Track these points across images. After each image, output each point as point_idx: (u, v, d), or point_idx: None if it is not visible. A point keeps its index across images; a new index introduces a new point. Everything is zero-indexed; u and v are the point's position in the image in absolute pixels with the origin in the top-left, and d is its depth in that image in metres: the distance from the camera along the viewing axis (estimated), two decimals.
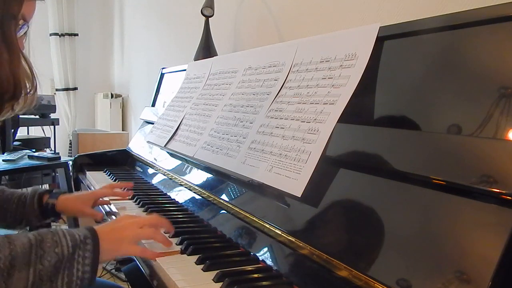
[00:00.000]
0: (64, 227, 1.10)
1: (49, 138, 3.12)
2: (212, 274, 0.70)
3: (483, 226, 0.49)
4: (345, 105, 0.74)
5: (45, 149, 2.95)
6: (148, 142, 1.55)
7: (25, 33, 0.77)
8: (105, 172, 1.65)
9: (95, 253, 0.68)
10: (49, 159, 2.22)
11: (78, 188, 1.71)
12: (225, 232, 0.90)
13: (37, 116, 3.02)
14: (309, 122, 0.80)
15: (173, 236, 0.89)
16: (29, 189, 1.07)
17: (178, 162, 1.35)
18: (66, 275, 0.64)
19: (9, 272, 0.60)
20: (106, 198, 1.15)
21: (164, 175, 1.40)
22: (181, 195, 1.20)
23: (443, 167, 0.55)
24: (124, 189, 1.18)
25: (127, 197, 1.18)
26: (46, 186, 2.69)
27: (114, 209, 1.12)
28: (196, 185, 1.14)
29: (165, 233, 0.87)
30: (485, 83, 0.59)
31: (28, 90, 0.73)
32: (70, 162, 1.96)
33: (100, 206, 1.15)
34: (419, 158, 0.58)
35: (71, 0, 3.77)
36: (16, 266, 0.61)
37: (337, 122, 0.74)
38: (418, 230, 0.55)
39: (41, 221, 1.04)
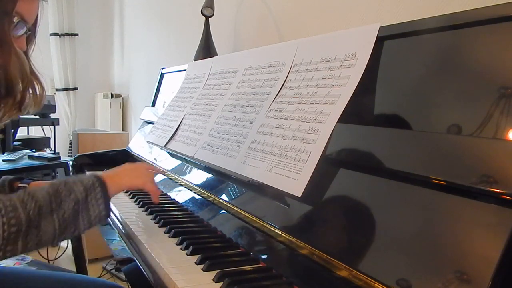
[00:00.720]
0: None
1: (49, 138, 3.12)
2: (212, 274, 0.70)
3: (483, 226, 0.49)
4: (345, 105, 0.74)
5: (45, 149, 2.95)
6: (148, 142, 1.55)
7: (28, 34, 0.77)
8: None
9: (105, 194, 0.79)
10: (49, 159, 2.22)
11: None
12: (225, 232, 0.90)
13: (37, 116, 3.02)
14: (309, 122, 0.80)
15: (173, 236, 0.89)
16: None
17: (178, 162, 1.35)
18: (85, 215, 0.76)
19: (39, 221, 0.70)
20: None
21: (164, 175, 1.40)
22: (181, 195, 1.20)
23: (443, 167, 0.55)
24: None
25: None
26: None
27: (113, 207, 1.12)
28: (196, 185, 1.14)
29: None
30: (485, 83, 0.59)
31: (25, 88, 0.75)
32: (70, 162, 1.96)
33: None
34: (419, 158, 0.58)
35: (71, 0, 3.77)
36: (42, 214, 0.70)
37: (337, 122, 0.74)
38: (418, 230, 0.55)
39: None
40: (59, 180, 0.77)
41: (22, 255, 2.41)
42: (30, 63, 0.83)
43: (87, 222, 0.76)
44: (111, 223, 1.08)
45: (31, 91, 0.80)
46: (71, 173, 1.97)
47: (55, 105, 3.11)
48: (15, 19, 0.73)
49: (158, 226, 0.97)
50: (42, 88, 0.83)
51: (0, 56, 0.71)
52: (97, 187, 0.79)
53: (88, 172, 0.88)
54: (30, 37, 0.82)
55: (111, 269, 2.41)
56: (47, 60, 3.75)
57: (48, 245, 0.73)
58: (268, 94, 0.97)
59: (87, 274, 2.05)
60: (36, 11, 0.80)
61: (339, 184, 0.70)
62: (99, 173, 0.84)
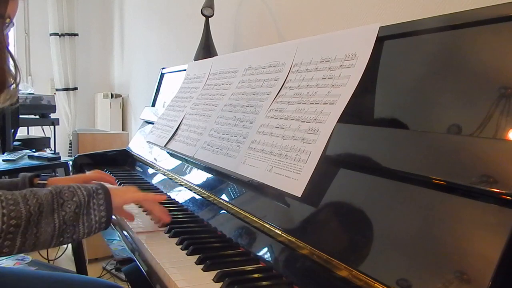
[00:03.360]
0: None
1: (49, 138, 3.12)
2: (212, 274, 0.70)
3: (483, 226, 0.49)
4: (345, 105, 0.74)
5: (45, 149, 2.95)
6: (148, 142, 1.55)
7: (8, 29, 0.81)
8: (105, 172, 1.65)
9: (108, 200, 0.79)
10: (49, 159, 2.21)
11: None
12: (225, 232, 0.90)
13: (37, 116, 3.02)
14: (309, 122, 0.80)
15: (173, 236, 0.89)
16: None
17: (178, 162, 1.35)
18: (86, 220, 0.76)
19: (39, 218, 0.70)
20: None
21: (164, 175, 1.40)
22: (181, 195, 1.20)
23: (443, 167, 0.55)
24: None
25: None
26: None
27: None
28: (196, 185, 1.14)
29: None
30: (485, 83, 0.59)
31: (12, 83, 0.78)
32: (70, 162, 1.96)
33: None
34: (419, 158, 0.58)
35: (71, 0, 3.77)
36: (43, 212, 0.70)
37: (337, 122, 0.74)
38: (418, 230, 0.55)
39: None
40: (63, 184, 0.77)
41: (22, 255, 2.41)
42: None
43: (87, 227, 0.76)
44: (111, 223, 1.08)
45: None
46: (71, 173, 1.96)
47: (55, 105, 3.11)
48: (7, 21, 0.77)
49: (158, 226, 0.97)
50: (17, 81, 0.84)
51: None
52: (100, 194, 0.79)
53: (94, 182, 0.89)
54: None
55: (111, 269, 2.41)
56: (47, 60, 3.76)
57: (45, 247, 0.72)
58: (268, 94, 0.97)
59: (87, 274, 2.05)
60: (17, 7, 0.83)
61: (339, 184, 0.70)
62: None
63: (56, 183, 1.07)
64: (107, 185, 0.86)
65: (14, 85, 0.81)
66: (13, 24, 0.80)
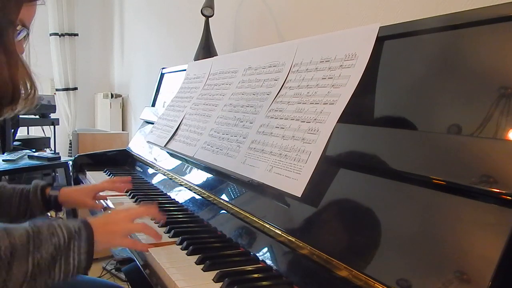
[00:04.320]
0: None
1: (49, 138, 3.12)
2: (212, 274, 0.70)
3: (483, 226, 0.49)
4: (345, 105, 0.74)
5: (45, 149, 2.95)
6: (148, 142, 1.55)
7: (25, 36, 0.77)
8: (105, 172, 1.65)
9: (90, 243, 0.70)
10: (49, 159, 2.22)
11: None
12: (225, 232, 0.90)
13: (37, 116, 3.02)
14: (309, 122, 0.80)
15: (173, 236, 0.89)
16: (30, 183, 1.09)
17: (178, 162, 1.35)
18: (63, 264, 0.67)
19: (10, 262, 0.62)
20: (104, 193, 1.16)
21: (164, 175, 1.40)
22: (181, 195, 1.20)
23: (443, 167, 0.55)
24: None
25: (125, 191, 1.20)
26: None
27: (111, 205, 1.13)
28: (196, 185, 1.14)
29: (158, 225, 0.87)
30: (485, 83, 0.59)
31: (29, 92, 0.74)
32: (70, 162, 1.96)
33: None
34: (419, 158, 0.58)
35: (71, 0, 3.77)
36: (15, 256, 0.63)
37: (337, 122, 0.74)
38: (418, 230, 0.55)
39: (44, 213, 1.06)
40: (44, 221, 0.70)
41: None
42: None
43: (64, 272, 0.67)
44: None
45: (23, 91, 0.80)
46: (71, 173, 1.96)
47: (55, 105, 3.10)
48: (18, 27, 0.73)
49: (158, 226, 0.97)
50: (35, 88, 0.82)
51: (9, 66, 0.69)
52: (83, 234, 0.70)
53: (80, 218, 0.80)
54: (25, 37, 0.82)
55: (111, 269, 2.41)
56: (47, 60, 3.76)
57: None
58: (268, 94, 0.97)
59: (87, 274, 2.04)
60: (35, 13, 0.80)
61: (339, 184, 0.70)
62: (91, 218, 0.75)
63: (68, 195, 1.06)
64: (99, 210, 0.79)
65: (32, 94, 0.78)
66: (27, 32, 0.75)
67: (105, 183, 1.16)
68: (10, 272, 0.62)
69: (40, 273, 0.65)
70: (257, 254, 0.78)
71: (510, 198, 0.47)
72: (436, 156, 0.56)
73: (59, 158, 2.29)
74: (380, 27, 0.75)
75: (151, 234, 0.82)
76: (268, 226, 0.79)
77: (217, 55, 1.80)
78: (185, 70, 1.60)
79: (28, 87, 0.75)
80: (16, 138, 2.76)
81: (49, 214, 1.66)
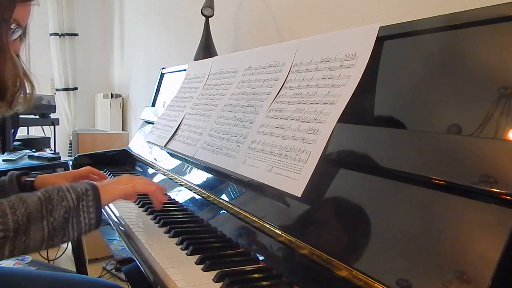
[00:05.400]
0: None
1: (49, 138, 3.12)
2: (212, 274, 0.70)
3: (483, 226, 0.49)
4: (345, 105, 0.74)
5: (45, 149, 2.95)
6: (148, 142, 1.55)
7: (20, 36, 0.78)
8: (105, 172, 1.65)
9: (97, 201, 0.78)
10: (49, 159, 2.21)
11: None
12: (225, 232, 0.90)
13: (37, 116, 3.02)
14: (309, 122, 0.80)
15: (173, 236, 0.89)
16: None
17: (178, 162, 1.35)
18: (75, 223, 0.75)
19: (27, 227, 0.70)
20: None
21: (164, 175, 1.40)
22: (181, 195, 1.20)
23: (443, 167, 0.55)
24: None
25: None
26: None
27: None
28: (196, 185, 1.14)
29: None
30: (485, 83, 0.59)
31: (20, 90, 0.76)
32: (70, 162, 1.96)
33: None
34: (419, 158, 0.58)
35: (71, 0, 3.77)
36: (31, 221, 0.70)
37: (337, 122, 0.74)
38: (418, 230, 0.55)
39: None
40: (53, 187, 0.77)
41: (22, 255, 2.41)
42: (22, 63, 0.84)
43: (77, 230, 0.76)
44: (111, 223, 1.08)
45: (21, 91, 0.81)
46: None
47: (55, 105, 3.10)
48: (13, 26, 0.74)
49: (158, 226, 0.97)
50: (33, 87, 0.84)
51: None
52: (90, 195, 0.78)
53: (85, 180, 0.87)
54: (21, 37, 0.83)
55: (111, 269, 2.41)
56: (47, 60, 3.76)
57: (36, 251, 0.74)
58: (268, 94, 0.97)
59: (87, 274, 2.04)
60: (29, 13, 0.80)
61: (339, 184, 0.70)
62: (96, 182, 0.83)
63: (44, 180, 1.07)
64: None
65: (29, 90, 0.80)
66: (21, 31, 0.77)
67: (83, 170, 1.16)
68: (29, 235, 0.70)
69: (56, 233, 0.73)
70: (257, 254, 0.78)
71: (510, 198, 0.47)
72: (436, 156, 0.56)
73: (59, 158, 2.29)
74: (380, 27, 0.75)
75: (154, 190, 0.92)
76: (268, 226, 0.79)
77: (217, 55, 1.80)
78: (185, 70, 1.60)
79: (18, 84, 0.77)
80: (16, 138, 2.76)
81: None
